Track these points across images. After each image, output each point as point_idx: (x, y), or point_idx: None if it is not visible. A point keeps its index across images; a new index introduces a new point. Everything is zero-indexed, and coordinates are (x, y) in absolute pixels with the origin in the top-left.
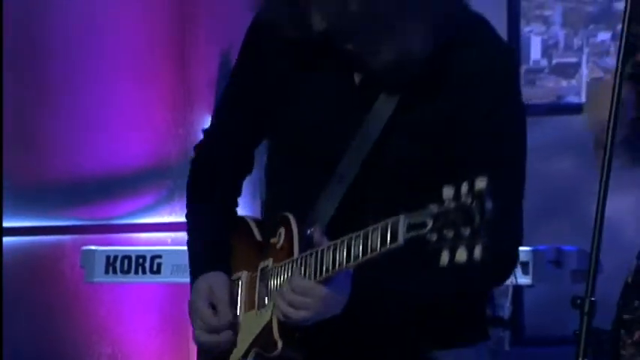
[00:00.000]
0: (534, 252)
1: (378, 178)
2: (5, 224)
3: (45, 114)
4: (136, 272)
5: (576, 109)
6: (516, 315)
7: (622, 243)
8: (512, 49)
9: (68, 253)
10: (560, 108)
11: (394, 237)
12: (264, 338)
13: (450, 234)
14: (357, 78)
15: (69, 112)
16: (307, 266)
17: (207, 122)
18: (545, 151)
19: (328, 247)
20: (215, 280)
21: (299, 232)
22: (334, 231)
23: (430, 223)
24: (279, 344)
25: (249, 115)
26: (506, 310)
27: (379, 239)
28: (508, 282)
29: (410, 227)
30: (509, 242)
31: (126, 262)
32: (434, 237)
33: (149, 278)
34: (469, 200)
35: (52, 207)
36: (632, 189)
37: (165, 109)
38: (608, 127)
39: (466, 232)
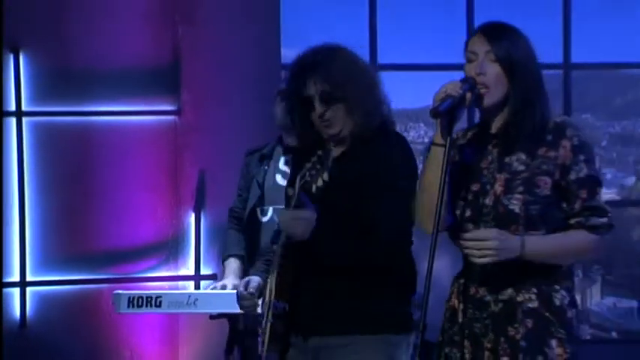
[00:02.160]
0: None
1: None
2: (70, 277)
3: (89, 211)
4: (146, 306)
5: None
6: None
7: (441, 288)
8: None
9: (105, 295)
10: None
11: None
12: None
13: (314, 172)
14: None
15: (103, 210)
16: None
17: (191, 216)
18: None
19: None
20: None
21: None
22: None
23: (307, 173)
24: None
25: None
26: None
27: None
28: None
29: (300, 179)
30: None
31: (140, 300)
32: (310, 177)
33: (154, 310)
34: (320, 152)
35: (95, 267)
36: (446, 255)
37: (164, 208)
38: (436, 212)
39: (320, 167)
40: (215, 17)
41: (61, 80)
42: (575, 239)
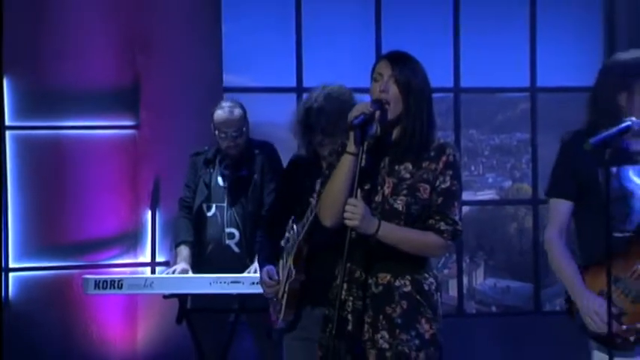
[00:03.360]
0: None
1: None
2: (46, 264)
3: (62, 209)
4: (110, 288)
5: None
6: None
7: None
8: None
9: (76, 278)
10: None
11: None
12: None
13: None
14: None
15: (74, 208)
16: None
17: (147, 213)
18: None
19: None
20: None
21: None
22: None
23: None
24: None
25: None
26: None
27: None
28: None
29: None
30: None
31: (105, 283)
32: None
33: (117, 291)
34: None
35: (67, 255)
36: None
37: (125, 206)
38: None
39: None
40: (168, 47)
41: (38, 99)
42: (422, 237)
